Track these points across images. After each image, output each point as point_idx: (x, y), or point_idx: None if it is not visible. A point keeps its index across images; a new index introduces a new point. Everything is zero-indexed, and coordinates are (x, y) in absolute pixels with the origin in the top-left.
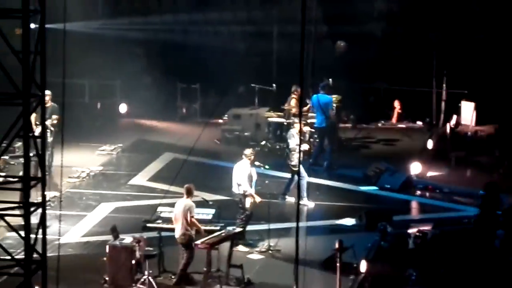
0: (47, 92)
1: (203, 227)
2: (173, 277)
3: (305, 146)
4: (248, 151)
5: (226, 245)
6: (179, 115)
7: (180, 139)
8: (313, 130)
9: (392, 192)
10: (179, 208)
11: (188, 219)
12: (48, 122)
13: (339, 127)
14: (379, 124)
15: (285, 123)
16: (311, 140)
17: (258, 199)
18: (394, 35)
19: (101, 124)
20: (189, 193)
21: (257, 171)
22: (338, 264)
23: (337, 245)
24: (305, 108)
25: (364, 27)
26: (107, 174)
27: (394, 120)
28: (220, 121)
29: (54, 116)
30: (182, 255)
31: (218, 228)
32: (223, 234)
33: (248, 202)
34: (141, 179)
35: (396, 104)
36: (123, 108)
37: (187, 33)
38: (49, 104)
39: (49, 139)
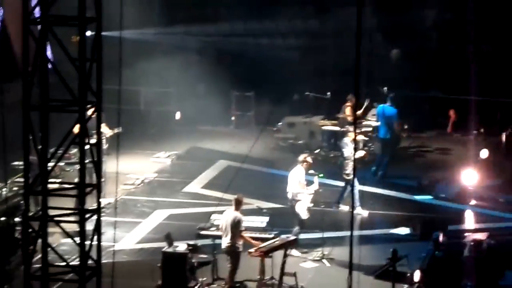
0: None
1: (256, 235)
2: (223, 285)
3: (361, 153)
4: (302, 157)
5: (279, 253)
6: (233, 123)
7: (234, 147)
8: (367, 138)
9: (447, 202)
10: (228, 219)
11: (237, 232)
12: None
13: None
14: (434, 133)
15: (340, 132)
16: (366, 148)
17: (309, 203)
18: (448, 44)
19: (156, 132)
20: (238, 204)
21: (312, 179)
22: (392, 274)
23: (391, 254)
24: (359, 112)
25: (419, 36)
26: (162, 181)
27: (449, 129)
28: (274, 129)
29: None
30: (228, 264)
31: (271, 236)
32: (277, 242)
33: (301, 210)
34: (195, 186)
35: (452, 113)
36: (177, 115)
37: (243, 41)
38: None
39: (105, 146)
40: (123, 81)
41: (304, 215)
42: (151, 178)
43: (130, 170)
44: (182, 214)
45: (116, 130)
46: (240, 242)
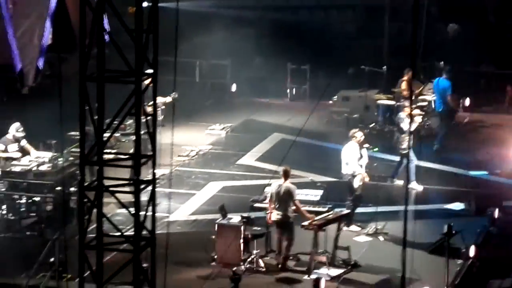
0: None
1: (310, 208)
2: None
3: (418, 119)
4: (354, 131)
5: (333, 227)
6: (288, 96)
7: (289, 120)
8: (422, 113)
9: (502, 177)
10: (278, 190)
11: (290, 203)
12: (161, 100)
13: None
14: (491, 109)
15: (395, 106)
16: (421, 123)
17: (366, 178)
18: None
19: (211, 104)
20: (287, 176)
21: (366, 154)
22: (446, 249)
23: (445, 230)
24: (417, 91)
25: (476, 10)
26: (216, 153)
27: (507, 103)
28: (330, 102)
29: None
30: (279, 237)
31: (325, 209)
32: (330, 216)
33: (356, 184)
34: (249, 159)
35: (509, 88)
36: (233, 87)
37: (299, 13)
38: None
39: (160, 117)
40: (179, 52)
41: (358, 189)
42: (205, 150)
43: (185, 141)
44: (236, 186)
45: (172, 96)
46: (292, 214)
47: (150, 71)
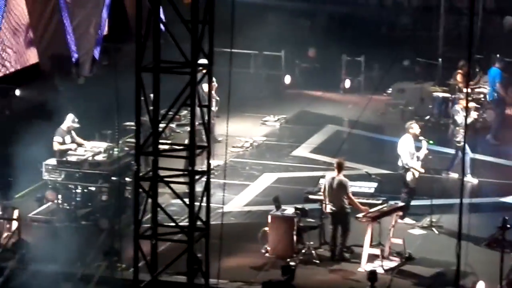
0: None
1: (364, 200)
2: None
3: (473, 112)
4: (411, 123)
5: (387, 219)
6: (343, 87)
7: (343, 112)
8: (478, 106)
9: None
10: (331, 183)
11: (343, 196)
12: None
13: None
14: None
15: (450, 99)
16: (477, 115)
17: (421, 170)
18: None
19: (266, 95)
20: (341, 168)
21: (425, 146)
22: (501, 242)
23: (501, 223)
24: (472, 82)
25: None
26: (270, 144)
27: None
28: (384, 94)
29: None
30: (333, 228)
31: (380, 202)
32: (385, 208)
33: (410, 177)
34: (304, 150)
35: None
36: (287, 79)
37: (354, 4)
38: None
39: (214, 108)
40: (235, 44)
41: (413, 182)
42: (259, 141)
43: (239, 132)
44: (290, 178)
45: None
46: (348, 205)
47: (205, 61)
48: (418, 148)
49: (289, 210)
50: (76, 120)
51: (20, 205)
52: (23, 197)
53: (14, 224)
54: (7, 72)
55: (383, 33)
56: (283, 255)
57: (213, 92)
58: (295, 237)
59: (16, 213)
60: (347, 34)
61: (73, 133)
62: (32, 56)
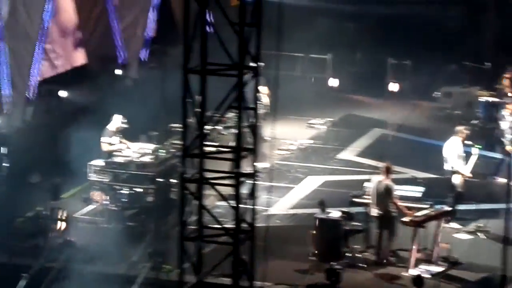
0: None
1: (411, 204)
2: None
3: None
4: (459, 128)
5: (433, 224)
6: (388, 91)
7: (389, 116)
8: None
9: None
10: (378, 187)
11: (389, 200)
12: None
13: None
14: None
15: (497, 103)
16: None
17: (469, 175)
18: None
19: (312, 98)
20: (388, 172)
21: (468, 151)
22: None
23: None
24: None
25: None
26: (316, 147)
27: None
28: (431, 98)
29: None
30: (379, 232)
31: (426, 206)
32: (431, 212)
33: (458, 180)
34: (349, 154)
35: None
36: (333, 82)
37: (401, 8)
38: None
39: (262, 110)
40: (281, 46)
41: (460, 185)
42: (305, 144)
43: (285, 135)
44: (335, 181)
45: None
46: (394, 209)
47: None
48: (467, 153)
49: (335, 213)
50: (124, 120)
51: (67, 205)
52: (70, 198)
53: (61, 225)
54: (56, 72)
55: (430, 37)
56: (328, 258)
57: (265, 95)
58: (340, 241)
59: (63, 214)
60: (394, 37)
61: (120, 134)
62: (80, 57)
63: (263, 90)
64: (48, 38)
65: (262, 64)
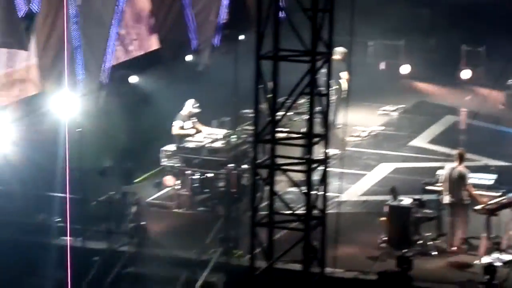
0: (342, 49)
1: (483, 192)
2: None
3: None
4: None
5: (506, 212)
6: (462, 78)
7: (462, 103)
8: None
9: None
10: (451, 174)
11: (462, 187)
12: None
13: None
14: None
15: None
16: None
17: None
18: None
19: (383, 85)
20: (461, 159)
21: None
22: None
23: None
24: None
25: None
26: (388, 134)
27: None
28: (506, 85)
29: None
30: (451, 220)
31: (499, 194)
32: (504, 200)
33: None
34: (421, 141)
35: None
36: (405, 69)
37: None
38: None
39: (333, 97)
40: (354, 32)
41: None
42: (377, 130)
43: (357, 122)
44: (407, 168)
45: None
46: (466, 197)
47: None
48: None
49: (406, 200)
50: (197, 105)
51: (139, 190)
52: (142, 183)
53: (133, 209)
54: (129, 57)
55: (505, 22)
56: (399, 246)
57: (345, 81)
58: (412, 228)
59: (135, 198)
60: (468, 23)
61: (194, 118)
62: (153, 43)
63: (343, 75)
64: (122, 23)
65: (343, 49)
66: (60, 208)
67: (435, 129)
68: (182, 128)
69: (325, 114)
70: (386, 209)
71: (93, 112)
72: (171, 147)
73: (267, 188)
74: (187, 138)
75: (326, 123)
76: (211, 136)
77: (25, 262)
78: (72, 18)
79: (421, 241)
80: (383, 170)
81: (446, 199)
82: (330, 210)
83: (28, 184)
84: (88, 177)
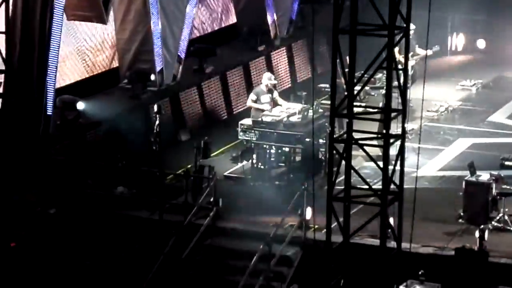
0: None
1: None
2: None
3: None
4: None
5: None
6: None
7: None
8: None
9: None
10: None
11: None
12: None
13: None
14: None
15: None
16: None
17: None
18: None
19: (462, 60)
20: None
21: None
22: None
23: None
24: None
25: None
26: (466, 109)
27: None
28: None
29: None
30: None
31: None
32: None
33: None
34: (500, 116)
35: None
36: (481, 43)
37: None
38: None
39: (411, 71)
40: (432, 6)
41: None
42: (455, 106)
43: (435, 97)
44: (485, 144)
45: (434, 49)
46: None
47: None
48: None
49: (484, 176)
50: (273, 77)
51: (216, 163)
52: (219, 156)
53: (210, 182)
54: (206, 32)
55: None
56: (476, 221)
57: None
58: (489, 204)
59: (212, 171)
60: None
61: (275, 93)
62: (230, 17)
63: (420, 51)
64: None
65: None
66: (138, 181)
67: None
68: (255, 101)
69: (402, 89)
70: (463, 184)
71: (169, 85)
72: (248, 121)
73: (343, 162)
74: (264, 112)
75: (403, 98)
76: (288, 110)
77: (103, 234)
78: None
79: (499, 217)
80: (461, 145)
81: None
82: (407, 185)
83: (107, 157)
84: (165, 150)
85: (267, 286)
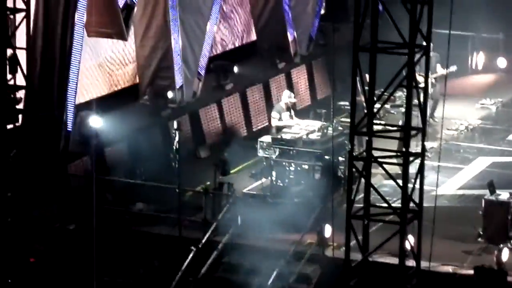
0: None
1: None
2: None
3: None
4: None
5: None
6: None
7: None
8: None
9: None
10: None
11: None
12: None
13: None
14: None
15: None
16: None
17: None
18: None
19: (482, 78)
20: None
21: None
22: None
23: None
24: None
25: None
26: (486, 128)
27: None
28: None
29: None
30: None
31: None
32: None
33: None
34: None
35: None
36: (502, 62)
37: None
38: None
39: (431, 90)
40: (452, 25)
41: None
42: (475, 124)
43: (455, 115)
44: (505, 163)
45: (452, 69)
46: None
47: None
48: None
49: (504, 195)
50: (293, 95)
51: (236, 180)
52: (238, 173)
53: (228, 199)
54: (226, 49)
55: None
56: (496, 241)
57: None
58: (509, 223)
59: (231, 188)
60: None
61: (292, 111)
62: (250, 34)
63: (440, 70)
64: (220, 15)
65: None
66: (157, 198)
67: None
68: (279, 119)
69: (422, 107)
70: (483, 203)
71: (190, 102)
72: (268, 138)
73: (363, 180)
74: (284, 130)
75: (423, 116)
76: (307, 127)
77: (122, 250)
78: (171, 9)
79: None
80: (480, 164)
81: None
82: (427, 204)
83: (127, 173)
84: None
85: None
